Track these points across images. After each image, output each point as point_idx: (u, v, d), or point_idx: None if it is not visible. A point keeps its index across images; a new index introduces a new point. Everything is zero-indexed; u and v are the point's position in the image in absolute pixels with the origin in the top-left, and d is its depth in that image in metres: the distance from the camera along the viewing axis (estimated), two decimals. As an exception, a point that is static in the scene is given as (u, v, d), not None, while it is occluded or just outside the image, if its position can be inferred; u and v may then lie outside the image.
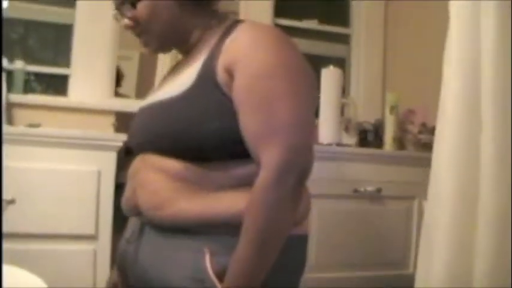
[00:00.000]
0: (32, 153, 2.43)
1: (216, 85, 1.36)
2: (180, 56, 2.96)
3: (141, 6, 1.48)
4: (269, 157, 1.28)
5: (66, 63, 3.15)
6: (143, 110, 1.55)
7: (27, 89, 3.04)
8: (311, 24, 3.71)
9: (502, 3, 1.82)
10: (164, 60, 3.28)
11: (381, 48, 3.79)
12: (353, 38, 3.84)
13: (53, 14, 3.23)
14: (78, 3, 3.17)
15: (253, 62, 1.34)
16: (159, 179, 1.40)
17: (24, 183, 2.37)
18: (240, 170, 1.36)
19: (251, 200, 1.29)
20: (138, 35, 1.54)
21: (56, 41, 3.23)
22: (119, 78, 3.31)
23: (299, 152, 1.31)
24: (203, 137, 1.35)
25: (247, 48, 1.36)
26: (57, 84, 3.16)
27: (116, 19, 1.57)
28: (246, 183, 1.34)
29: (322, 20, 3.76)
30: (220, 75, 1.36)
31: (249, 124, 1.32)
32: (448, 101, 1.92)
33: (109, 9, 3.06)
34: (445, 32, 2.11)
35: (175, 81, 1.47)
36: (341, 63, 3.68)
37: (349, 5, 3.87)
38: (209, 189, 1.36)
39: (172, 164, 1.38)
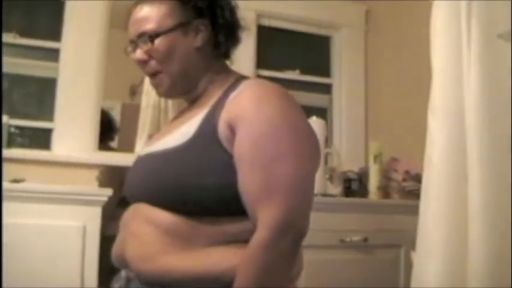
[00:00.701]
0: (16, 208, 2.40)
1: (216, 140, 1.36)
2: (164, 104, 2.96)
3: (159, 41, 1.48)
4: (267, 217, 1.28)
5: (50, 117, 3.14)
6: (141, 159, 1.53)
7: (11, 143, 3.02)
8: (293, 74, 3.75)
9: (483, 57, 1.86)
10: (147, 112, 3.29)
11: (362, 97, 3.83)
12: (334, 87, 3.88)
13: (36, 68, 3.24)
14: (62, 57, 3.18)
15: (256, 120, 1.34)
16: (149, 232, 1.38)
17: (8, 239, 2.33)
18: (233, 227, 1.36)
19: (246, 257, 1.28)
20: (150, 72, 1.53)
21: (40, 94, 3.22)
22: (113, 131, 3.32)
23: (297, 214, 1.31)
24: (199, 191, 1.34)
25: (251, 106, 1.36)
26: (41, 138, 3.14)
27: (126, 52, 1.55)
28: (238, 239, 1.34)
29: (304, 71, 3.80)
30: (222, 130, 1.36)
31: (249, 181, 1.32)
32: (434, 152, 1.94)
33: (92, 62, 3.14)
34: (426, 80, 2.14)
35: (175, 132, 1.46)
36: (323, 113, 3.72)
37: (330, 55, 3.93)
38: (200, 244, 1.34)
39: (165, 217, 1.37)
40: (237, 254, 1.30)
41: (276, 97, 1.40)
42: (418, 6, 3.22)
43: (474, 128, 1.84)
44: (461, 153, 1.88)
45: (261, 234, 1.27)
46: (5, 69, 3.04)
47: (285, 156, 1.32)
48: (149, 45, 1.48)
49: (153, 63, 1.50)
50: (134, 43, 1.52)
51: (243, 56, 3.54)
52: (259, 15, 3.65)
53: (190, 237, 1.35)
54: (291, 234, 1.29)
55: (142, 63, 1.52)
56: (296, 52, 3.87)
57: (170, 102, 3.25)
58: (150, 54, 1.49)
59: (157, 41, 1.47)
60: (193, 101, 1.56)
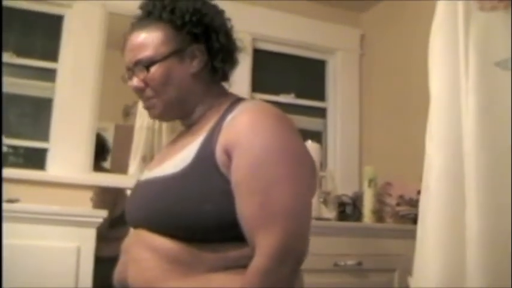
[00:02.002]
0: (10, 229, 2.38)
1: (214, 165, 1.36)
2: (158, 126, 2.94)
3: (155, 69, 1.47)
4: (265, 242, 1.27)
5: (45, 137, 3.14)
6: (141, 185, 1.54)
7: (5, 162, 3.01)
8: (288, 98, 3.77)
9: (481, 84, 1.87)
10: (140, 134, 3.28)
11: (357, 122, 3.86)
12: (329, 111, 3.91)
13: (32, 88, 3.24)
14: (58, 78, 3.19)
15: (252, 146, 1.34)
16: (150, 258, 1.37)
17: (2, 260, 2.32)
18: (233, 253, 1.35)
19: (245, 283, 1.27)
20: (144, 98, 1.53)
21: (35, 114, 3.22)
22: (105, 151, 3.31)
23: (295, 240, 1.30)
24: (198, 218, 1.34)
25: (247, 131, 1.36)
26: (36, 158, 3.14)
27: (123, 79, 1.56)
28: (238, 265, 1.33)
29: (299, 94, 3.83)
30: (219, 156, 1.36)
31: (246, 207, 1.31)
32: (431, 178, 1.94)
33: (89, 83, 3.14)
34: (421, 104, 2.15)
35: (174, 158, 1.46)
36: (318, 136, 3.74)
37: (325, 79, 3.96)
38: (200, 271, 1.34)
39: (165, 243, 1.36)
40: (237, 280, 1.29)
41: (272, 121, 1.40)
42: (413, 30, 3.25)
43: (472, 155, 1.84)
44: (459, 179, 1.87)
45: (259, 260, 1.27)
46: (0, 89, 3.05)
47: (281, 181, 1.32)
48: (145, 73, 1.48)
49: (149, 90, 1.50)
50: (131, 70, 1.52)
51: (239, 79, 3.52)
52: (255, 39, 3.68)
53: (190, 263, 1.35)
54: (290, 260, 1.29)
55: (139, 90, 1.52)
56: (291, 76, 3.90)
57: (164, 124, 3.25)
58: (146, 82, 1.49)
59: (153, 69, 1.48)
60: (190, 125, 1.56)
